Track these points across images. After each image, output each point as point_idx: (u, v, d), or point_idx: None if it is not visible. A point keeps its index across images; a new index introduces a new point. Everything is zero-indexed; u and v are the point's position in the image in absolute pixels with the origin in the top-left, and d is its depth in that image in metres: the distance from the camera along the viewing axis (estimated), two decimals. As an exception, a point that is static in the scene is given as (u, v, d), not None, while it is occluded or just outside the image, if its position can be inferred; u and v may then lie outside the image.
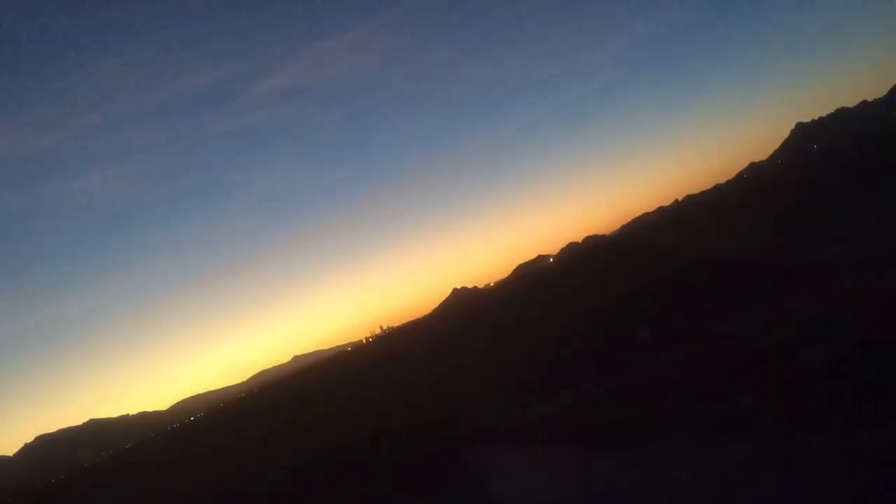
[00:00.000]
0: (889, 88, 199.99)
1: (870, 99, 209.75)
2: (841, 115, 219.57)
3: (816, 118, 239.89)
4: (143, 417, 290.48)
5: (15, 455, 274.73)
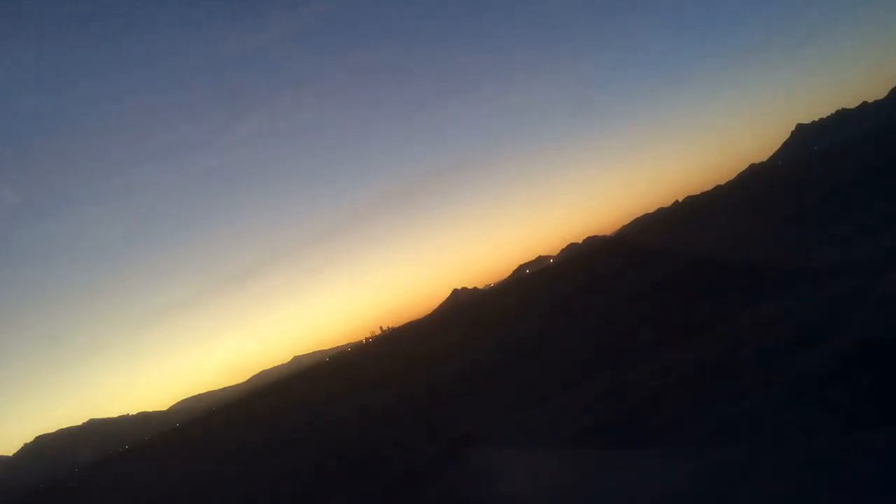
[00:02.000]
0: (889, 90, 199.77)
1: (870, 100, 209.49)
2: (841, 116, 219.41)
3: (817, 119, 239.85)
4: (143, 417, 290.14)
5: (15, 455, 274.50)
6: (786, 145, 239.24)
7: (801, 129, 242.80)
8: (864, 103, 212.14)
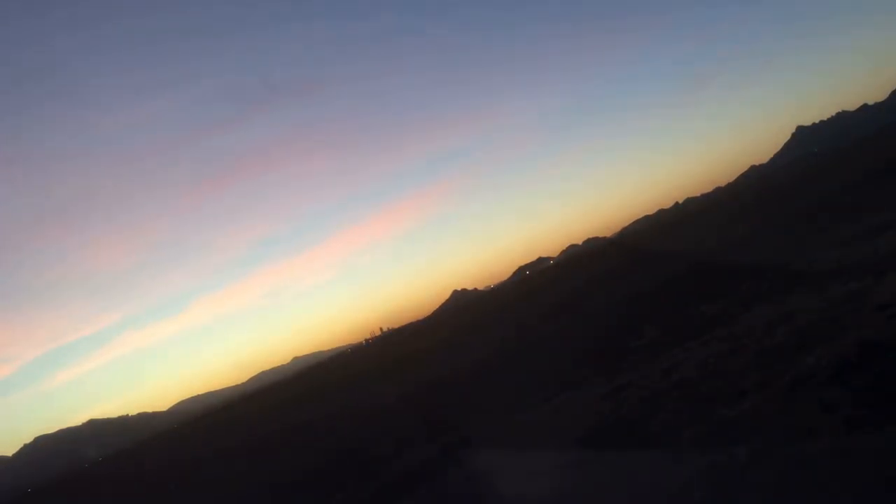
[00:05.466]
0: (889, 92, 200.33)
1: (870, 102, 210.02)
2: (842, 118, 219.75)
3: (817, 121, 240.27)
4: (143, 417, 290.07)
5: (15, 455, 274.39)
6: (786, 147, 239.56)
7: (801, 130, 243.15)
8: (865, 105, 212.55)
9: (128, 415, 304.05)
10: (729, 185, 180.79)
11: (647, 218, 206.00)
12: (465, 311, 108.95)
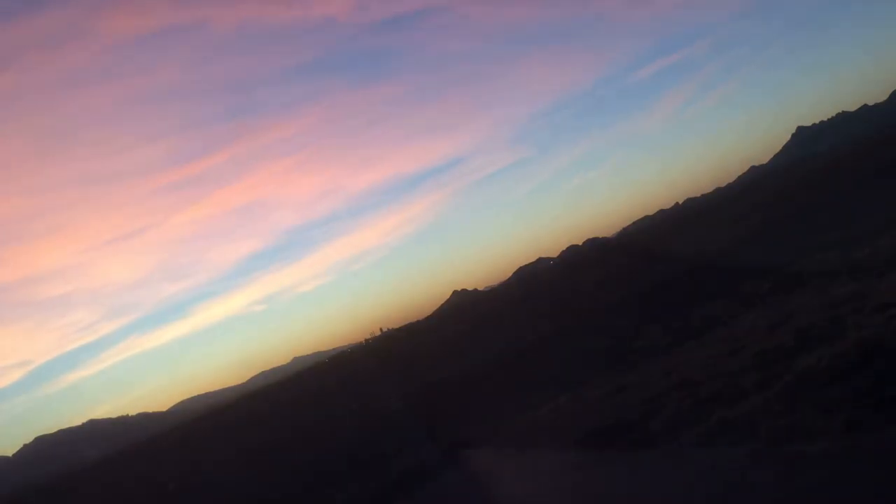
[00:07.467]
0: (890, 92, 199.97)
1: (871, 103, 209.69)
2: (842, 118, 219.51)
3: (818, 122, 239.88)
4: (143, 418, 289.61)
5: (14, 455, 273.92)
6: (786, 147, 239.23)
7: (801, 131, 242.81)
8: (865, 105, 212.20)
9: (128, 415, 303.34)
10: (729, 185, 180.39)
11: (647, 218, 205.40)
12: (465, 311, 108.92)
